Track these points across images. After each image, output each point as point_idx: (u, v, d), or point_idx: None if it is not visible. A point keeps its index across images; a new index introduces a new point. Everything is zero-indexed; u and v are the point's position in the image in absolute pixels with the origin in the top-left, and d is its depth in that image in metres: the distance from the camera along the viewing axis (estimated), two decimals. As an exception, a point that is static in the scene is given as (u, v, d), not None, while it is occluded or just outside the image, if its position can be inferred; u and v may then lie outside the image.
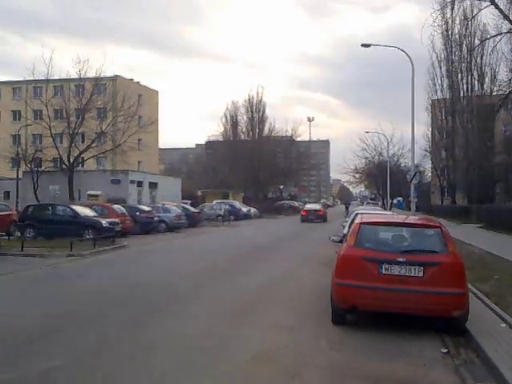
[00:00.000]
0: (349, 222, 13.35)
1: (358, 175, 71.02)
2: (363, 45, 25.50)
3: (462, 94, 46.58)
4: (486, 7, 23.05)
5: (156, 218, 26.78)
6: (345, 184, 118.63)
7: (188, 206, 34.82)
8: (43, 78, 36.51)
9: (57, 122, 37.15)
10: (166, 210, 28.97)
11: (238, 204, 46.80)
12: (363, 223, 7.67)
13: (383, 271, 6.84)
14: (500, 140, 43.21)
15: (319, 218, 41.14)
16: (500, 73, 40.31)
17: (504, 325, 7.09)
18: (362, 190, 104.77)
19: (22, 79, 40.44)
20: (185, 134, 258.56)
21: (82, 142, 39.77)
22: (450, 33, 44.82)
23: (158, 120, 56.66)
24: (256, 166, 61.97)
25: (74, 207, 22.04)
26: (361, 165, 66.80)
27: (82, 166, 41.13)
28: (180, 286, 10.73)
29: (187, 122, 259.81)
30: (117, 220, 22.02)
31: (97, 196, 33.04)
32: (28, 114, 42.06)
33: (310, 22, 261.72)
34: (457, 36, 44.86)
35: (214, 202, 44.69)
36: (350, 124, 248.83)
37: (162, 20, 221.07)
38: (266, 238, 24.03)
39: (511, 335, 6.60)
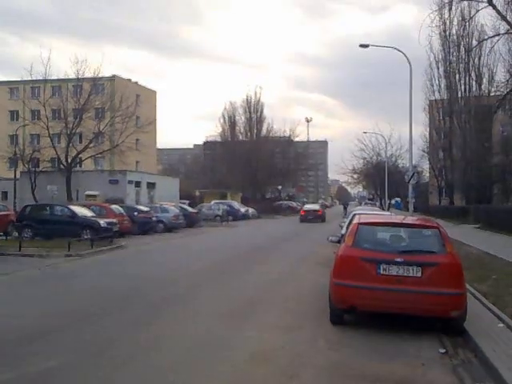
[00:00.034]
0: (347, 223, 13.37)
1: (356, 176, 71.29)
2: (361, 45, 25.57)
3: (459, 95, 46.67)
4: (483, 8, 23.06)
5: (154, 218, 26.77)
6: (343, 184, 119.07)
7: (186, 207, 34.79)
8: (41, 78, 36.45)
9: (54, 122, 37.07)
10: (164, 210, 28.94)
11: (236, 204, 46.85)
12: (361, 223, 7.69)
13: (381, 271, 6.86)
14: (497, 141, 43.25)
15: (318, 218, 41.49)
16: (498, 73, 40.55)
17: (502, 325, 7.11)
18: (360, 190, 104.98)
19: (19, 79, 40.34)
20: (183, 134, 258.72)
21: (80, 142, 39.67)
22: (447, 33, 44.93)
23: (155, 120, 56.56)
24: (254, 167, 61.97)
25: (72, 207, 22.00)
26: (359, 165, 67.09)
27: (80, 166, 41.05)
28: (178, 287, 10.74)
29: (185, 123, 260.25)
30: (115, 220, 22.00)
31: (95, 196, 33.05)
32: (26, 114, 41.92)
33: (307, 23, 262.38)
34: (454, 37, 45.00)
35: (212, 202, 44.69)
36: (347, 124, 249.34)
37: (161, 20, 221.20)
38: (265, 238, 24.04)
39: (509, 335, 6.62)
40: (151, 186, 40.65)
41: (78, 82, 37.64)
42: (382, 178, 57.44)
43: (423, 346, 6.52)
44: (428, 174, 60.57)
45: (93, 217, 21.51)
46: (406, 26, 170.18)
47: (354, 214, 13.13)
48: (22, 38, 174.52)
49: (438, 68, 47.89)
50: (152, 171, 54.52)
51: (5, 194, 39.38)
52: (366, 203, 62.76)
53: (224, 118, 71.00)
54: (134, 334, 6.90)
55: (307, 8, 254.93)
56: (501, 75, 34.46)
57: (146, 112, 51.27)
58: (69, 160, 35.79)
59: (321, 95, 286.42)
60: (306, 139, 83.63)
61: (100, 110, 39.97)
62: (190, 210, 34.23)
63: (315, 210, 43.51)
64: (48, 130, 35.71)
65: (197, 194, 54.38)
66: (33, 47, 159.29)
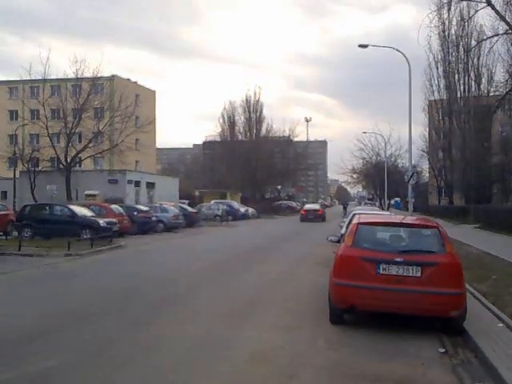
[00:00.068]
0: (346, 223, 13.38)
1: (355, 175, 71.28)
2: (360, 45, 25.56)
3: (458, 95, 46.69)
4: (482, 8, 23.06)
5: (154, 218, 26.76)
6: (342, 184, 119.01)
7: (186, 206, 34.78)
8: (40, 78, 36.42)
9: (54, 122, 37.04)
10: (163, 210, 28.93)
11: (235, 204, 46.85)
12: (361, 223, 7.70)
13: (381, 271, 6.86)
14: (497, 141, 43.27)
15: (318, 217, 42.08)
16: (497, 74, 40.50)
17: (501, 325, 7.11)
18: (360, 190, 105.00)
19: (18, 79, 40.33)
20: (182, 134, 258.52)
21: (79, 141, 39.67)
22: (446, 34, 44.90)
23: (155, 120, 56.50)
24: (253, 167, 61.97)
25: (72, 207, 22.00)
26: (358, 165, 67.11)
27: (80, 165, 41.05)
28: (178, 287, 10.73)
29: (185, 123, 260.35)
30: (114, 220, 22.00)
31: (94, 196, 33.05)
32: (25, 113, 41.93)
33: (307, 23, 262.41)
34: (453, 37, 44.99)
35: (212, 202, 44.69)
36: (346, 124, 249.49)
37: (161, 20, 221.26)
38: (264, 238, 24.04)
39: (508, 335, 6.62)
40: (151, 185, 40.63)
41: (77, 82, 37.60)
42: (381, 177, 57.45)
43: (423, 345, 6.52)
44: (427, 174, 60.61)
45: (92, 216, 21.51)
46: (405, 26, 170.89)
47: (354, 214, 13.14)
48: (21, 37, 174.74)
49: (438, 68, 47.99)
50: (151, 171, 54.51)
51: (4, 193, 39.36)
52: (365, 203, 62.79)
53: (223, 117, 71.12)
54: (134, 334, 6.90)
55: (307, 8, 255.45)
56: (500, 75, 34.46)
57: (146, 112, 51.25)
58: (68, 160, 35.78)
59: (320, 95, 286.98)
60: (305, 139, 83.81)
61: (99, 110, 39.93)
62: (190, 209, 34.23)
63: (315, 210, 44.11)
64: (47, 129, 35.68)
65: (196, 193, 54.40)
66: (32, 47, 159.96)
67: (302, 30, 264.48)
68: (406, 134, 48.52)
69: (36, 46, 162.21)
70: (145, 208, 27.87)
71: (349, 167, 66.85)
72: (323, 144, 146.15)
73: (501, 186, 42.81)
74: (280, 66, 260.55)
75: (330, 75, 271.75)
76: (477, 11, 25.97)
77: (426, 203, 58.01)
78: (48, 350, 6.11)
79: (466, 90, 45.93)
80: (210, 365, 5.67)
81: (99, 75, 37.55)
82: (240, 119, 71.08)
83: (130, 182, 37.43)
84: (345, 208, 55.51)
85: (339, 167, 68.69)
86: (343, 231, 11.86)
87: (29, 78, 36.54)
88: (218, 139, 72.18)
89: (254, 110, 70.09)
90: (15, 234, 21.17)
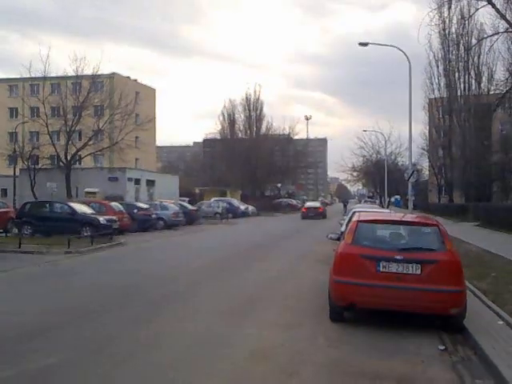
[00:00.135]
0: (346, 220, 13.38)
1: (355, 173, 71.11)
2: (361, 43, 25.49)
3: (459, 93, 46.65)
4: (482, 7, 23.11)
5: (154, 216, 26.75)
6: (342, 182, 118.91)
7: (186, 204, 34.78)
8: (40, 76, 36.42)
9: (54, 120, 37.07)
10: (163, 208, 28.93)
11: (235, 202, 46.85)
12: (361, 221, 7.70)
13: (381, 269, 6.87)
14: (497, 139, 43.26)
15: (319, 215, 42.58)
16: (497, 72, 40.47)
17: (501, 322, 7.12)
18: (360, 188, 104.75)
19: (18, 76, 40.34)
20: (183, 132, 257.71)
21: (79, 139, 39.68)
22: (447, 32, 44.84)
23: (155, 118, 56.54)
24: (253, 164, 61.94)
25: (72, 204, 22.01)
26: (358, 163, 66.94)
27: (80, 163, 41.07)
28: (178, 284, 10.75)
29: (185, 121, 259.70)
30: (114, 217, 21.99)
31: (94, 193, 33.08)
32: (25, 111, 41.90)
33: (307, 22, 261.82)
34: (454, 35, 44.94)
35: (212, 199, 44.69)
36: (347, 122, 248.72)
37: (163, 19, 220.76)
38: (264, 236, 24.06)
39: (508, 333, 6.63)
40: (151, 183, 40.65)
41: (77, 80, 37.64)
42: (381, 175, 57.39)
43: (423, 343, 6.52)
44: (428, 172, 60.59)
45: (92, 214, 21.52)
46: (406, 24, 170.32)
47: (354, 212, 13.13)
48: (22, 35, 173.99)
49: (438, 66, 47.98)
50: (151, 169, 54.52)
51: (4, 191, 39.40)
52: (365, 201, 62.74)
53: (223, 115, 71.04)
54: (134, 331, 6.91)
55: (307, 8, 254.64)
56: (500, 74, 34.36)
57: (146, 109, 51.27)
58: (68, 157, 35.81)
59: (320, 93, 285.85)
60: (305, 137, 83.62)
61: (99, 108, 39.94)
62: (190, 207, 34.23)
63: (316, 208, 44.76)
64: (47, 127, 35.72)
65: (196, 191, 54.41)
66: (32, 45, 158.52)
67: (302, 30, 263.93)
68: (406, 132, 48.46)
69: (36, 44, 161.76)
70: (145, 205, 27.87)
71: (349, 165, 66.77)
72: (323, 142, 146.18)
73: (501, 184, 42.83)
74: (280, 65, 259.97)
75: (331, 73, 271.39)
76: (477, 9, 25.96)
77: (425, 201, 58.03)
78: (48, 347, 6.12)
79: (467, 88, 45.92)
80: (209, 362, 5.68)
81: (99, 73, 37.59)
82: (240, 117, 71.12)
83: (130, 179, 37.44)
84: (345, 206, 55.56)
85: (339, 165, 68.55)
86: (343, 229, 11.87)
87: (29, 75, 36.62)
88: (218, 137, 72.21)
89: (254, 108, 70.06)
90: (15, 231, 21.15)
